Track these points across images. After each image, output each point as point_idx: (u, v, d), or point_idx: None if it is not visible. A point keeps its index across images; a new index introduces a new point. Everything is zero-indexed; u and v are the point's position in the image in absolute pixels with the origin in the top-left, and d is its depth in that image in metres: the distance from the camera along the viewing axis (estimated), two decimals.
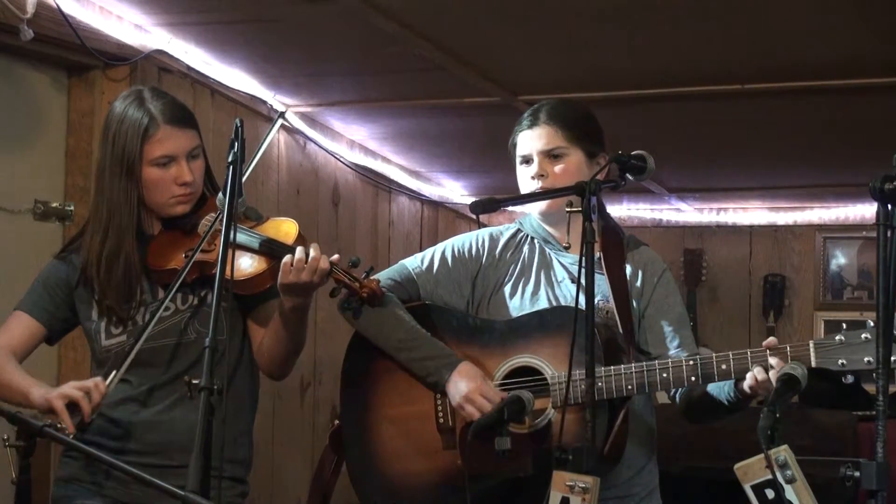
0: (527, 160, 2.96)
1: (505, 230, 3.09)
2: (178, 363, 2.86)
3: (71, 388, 2.69)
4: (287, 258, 2.73)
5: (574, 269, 2.93)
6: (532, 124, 2.94)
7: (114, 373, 2.77)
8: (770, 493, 2.20)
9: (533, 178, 2.93)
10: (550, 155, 2.92)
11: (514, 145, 2.98)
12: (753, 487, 2.22)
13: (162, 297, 2.86)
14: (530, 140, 2.94)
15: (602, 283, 2.87)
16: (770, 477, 2.19)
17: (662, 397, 3.09)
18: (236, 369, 2.94)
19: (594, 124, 3.01)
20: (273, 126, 2.72)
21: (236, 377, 2.94)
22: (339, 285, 2.79)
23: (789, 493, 2.18)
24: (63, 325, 3.02)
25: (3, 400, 2.82)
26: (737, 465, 2.25)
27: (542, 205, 2.96)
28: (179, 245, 2.88)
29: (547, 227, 3.01)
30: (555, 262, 3.00)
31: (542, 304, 2.94)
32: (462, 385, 2.83)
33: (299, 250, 2.74)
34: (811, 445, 5.06)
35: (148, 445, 2.85)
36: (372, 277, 2.81)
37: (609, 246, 2.92)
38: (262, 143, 2.66)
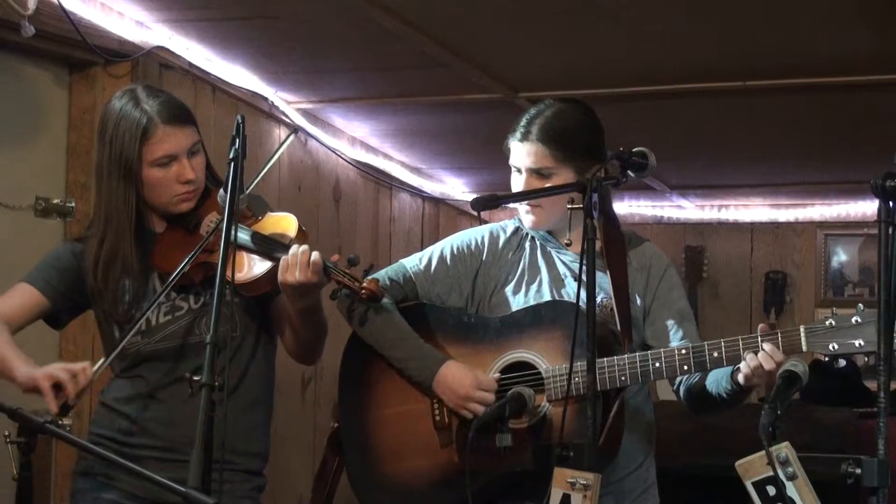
0: (517, 170, 2.96)
1: (505, 227, 3.08)
2: (191, 361, 2.86)
3: (57, 370, 2.67)
4: (282, 264, 2.73)
5: (575, 267, 2.92)
6: (523, 138, 2.91)
7: (101, 360, 2.77)
8: (771, 490, 2.20)
9: None
10: (538, 173, 2.91)
11: (508, 150, 2.97)
12: (755, 484, 2.23)
13: (173, 298, 2.87)
14: (520, 154, 2.93)
15: (604, 281, 2.87)
16: (771, 474, 2.19)
17: (663, 394, 3.09)
18: (250, 365, 2.94)
19: (591, 136, 2.95)
20: (285, 140, 2.74)
21: (250, 372, 2.94)
22: (339, 286, 2.79)
23: (790, 489, 2.19)
24: (69, 305, 2.99)
25: None
26: (738, 462, 2.25)
27: (529, 221, 2.96)
28: (185, 246, 2.86)
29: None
30: (556, 260, 2.99)
31: (547, 300, 2.94)
32: (455, 385, 2.84)
33: (293, 249, 2.74)
34: (812, 442, 5.05)
35: (160, 440, 2.86)
36: (371, 277, 2.80)
37: (611, 242, 2.91)
38: (272, 157, 2.69)
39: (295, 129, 2.77)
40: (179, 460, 2.76)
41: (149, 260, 2.90)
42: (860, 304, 2.58)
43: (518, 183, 2.95)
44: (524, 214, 2.98)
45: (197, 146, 2.90)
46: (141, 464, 2.74)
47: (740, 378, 2.67)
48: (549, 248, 3.01)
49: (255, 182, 2.89)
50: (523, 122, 2.94)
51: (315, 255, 2.72)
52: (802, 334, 2.62)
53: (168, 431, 2.85)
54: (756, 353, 2.62)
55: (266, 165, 2.87)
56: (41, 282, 2.94)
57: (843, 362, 2.59)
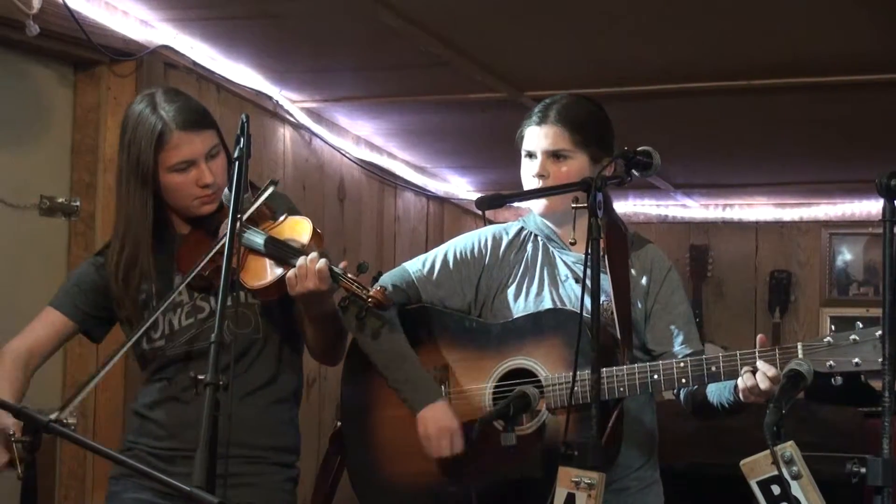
0: (531, 156, 2.94)
1: (508, 228, 3.07)
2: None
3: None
4: (290, 273, 2.73)
5: (577, 268, 2.92)
6: (541, 121, 2.91)
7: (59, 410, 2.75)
8: (776, 490, 2.20)
9: (534, 176, 2.91)
10: (555, 156, 2.90)
11: (522, 138, 2.96)
12: (759, 483, 2.22)
13: (194, 298, 2.88)
14: (536, 137, 2.92)
15: (605, 283, 2.86)
16: (776, 473, 2.19)
17: (667, 393, 3.08)
18: (279, 363, 2.96)
19: (605, 127, 2.97)
20: (263, 192, 2.80)
21: (279, 370, 2.96)
22: (347, 294, 2.79)
23: (795, 489, 2.18)
24: (100, 323, 3.03)
25: None
26: (742, 461, 2.25)
27: (541, 204, 2.94)
28: (206, 248, 2.85)
29: (551, 225, 3.00)
30: (558, 261, 2.98)
31: (547, 305, 2.92)
32: (438, 422, 2.84)
33: (301, 259, 2.74)
34: (817, 441, 5.05)
35: (187, 442, 2.85)
36: (378, 285, 2.80)
37: (613, 244, 2.90)
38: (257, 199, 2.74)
39: (274, 181, 2.82)
40: None
41: (173, 262, 2.91)
42: (858, 322, 2.59)
43: (531, 168, 2.92)
44: (535, 200, 2.97)
45: (216, 149, 2.89)
46: (173, 465, 2.82)
47: (740, 395, 2.68)
48: (551, 249, 3.00)
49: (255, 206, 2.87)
50: (539, 108, 2.95)
51: (322, 262, 2.73)
52: (800, 351, 2.61)
53: (194, 433, 2.85)
54: (753, 372, 2.62)
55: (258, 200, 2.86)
56: (67, 306, 2.97)
57: (840, 380, 2.60)
